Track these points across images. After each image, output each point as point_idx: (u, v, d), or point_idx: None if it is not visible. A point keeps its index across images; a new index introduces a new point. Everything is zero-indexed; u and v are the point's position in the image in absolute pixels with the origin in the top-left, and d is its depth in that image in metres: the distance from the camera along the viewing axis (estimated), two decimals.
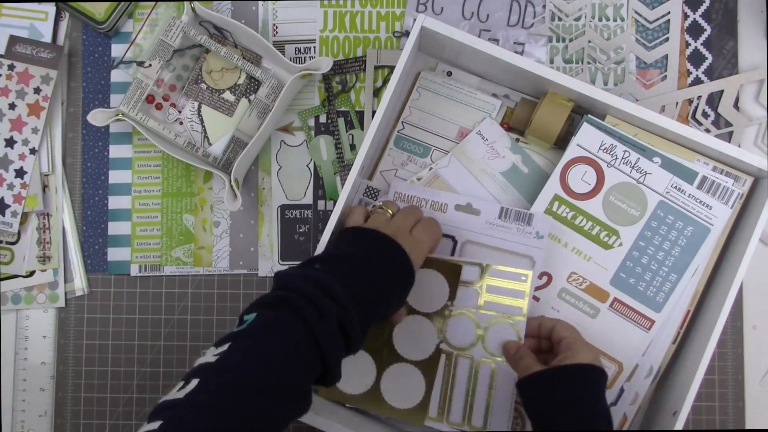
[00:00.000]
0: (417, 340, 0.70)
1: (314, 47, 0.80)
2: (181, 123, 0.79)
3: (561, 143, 0.73)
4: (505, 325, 0.70)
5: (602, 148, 0.71)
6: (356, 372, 0.71)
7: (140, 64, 0.76)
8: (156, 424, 0.45)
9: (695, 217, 0.70)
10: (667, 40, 0.79)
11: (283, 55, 0.77)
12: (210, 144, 0.79)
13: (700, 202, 0.70)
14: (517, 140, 0.75)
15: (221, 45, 0.77)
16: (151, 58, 0.75)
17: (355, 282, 0.57)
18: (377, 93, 0.79)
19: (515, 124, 0.74)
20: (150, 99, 0.77)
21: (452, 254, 0.72)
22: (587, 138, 0.71)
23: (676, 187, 0.70)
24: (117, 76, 0.81)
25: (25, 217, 0.79)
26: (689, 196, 0.70)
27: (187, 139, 0.77)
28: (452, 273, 0.70)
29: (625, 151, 0.71)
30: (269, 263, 0.79)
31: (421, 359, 0.70)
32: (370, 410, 0.71)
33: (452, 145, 0.75)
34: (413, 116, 0.76)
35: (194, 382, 0.48)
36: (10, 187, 0.78)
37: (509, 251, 0.71)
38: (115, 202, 0.80)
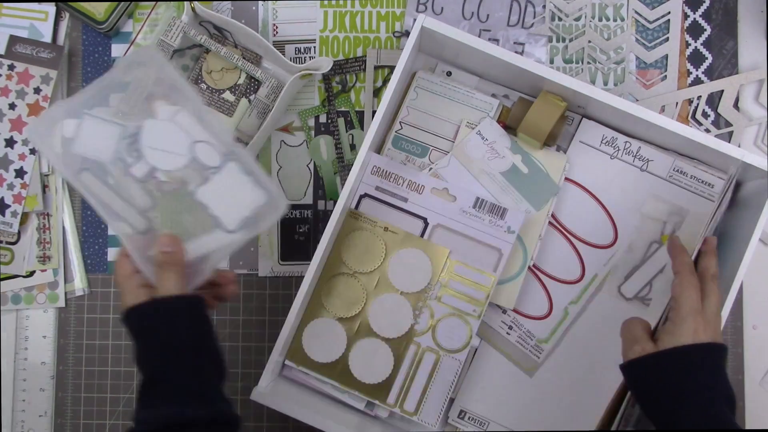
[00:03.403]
0: (392, 318, 0.72)
1: (314, 47, 0.80)
2: None
3: (552, 143, 0.73)
4: (458, 321, 0.72)
5: (604, 141, 0.73)
6: (327, 341, 0.72)
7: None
8: None
9: (699, 195, 0.73)
10: (667, 40, 0.79)
11: (283, 55, 0.77)
12: None
13: (702, 181, 0.73)
14: None
15: (221, 45, 0.77)
16: None
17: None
18: (377, 93, 0.79)
19: (511, 123, 0.74)
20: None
21: (422, 235, 0.73)
22: (588, 134, 0.74)
23: (678, 170, 0.73)
24: None
25: (25, 217, 0.79)
26: (691, 177, 0.73)
27: None
28: (439, 257, 0.72)
29: (626, 142, 0.73)
30: (269, 263, 0.79)
31: (392, 337, 0.72)
32: (334, 381, 0.72)
33: (450, 145, 0.75)
34: (411, 116, 0.76)
35: None
36: (10, 187, 0.78)
37: (479, 241, 0.72)
38: None
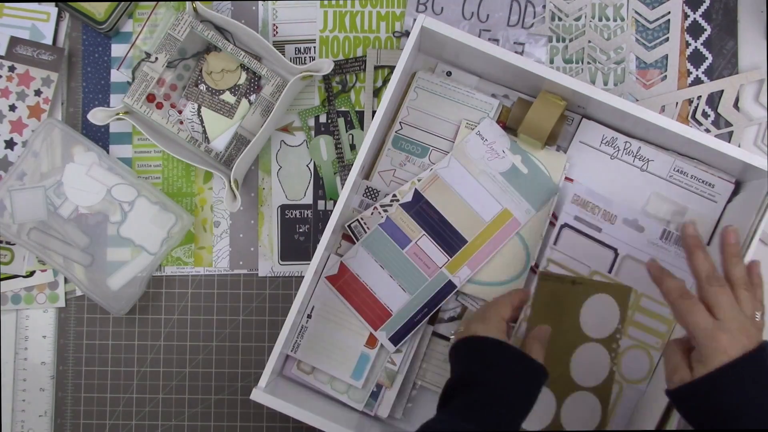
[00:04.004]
0: (592, 367, 0.72)
1: (314, 47, 0.80)
2: (181, 123, 0.79)
3: (552, 142, 0.73)
4: (641, 353, 0.71)
5: (604, 141, 0.73)
6: (535, 408, 0.66)
7: (147, 57, 0.75)
8: None
9: (699, 195, 0.73)
10: (667, 40, 0.79)
11: (283, 55, 0.77)
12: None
13: (703, 181, 0.73)
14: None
15: (228, 41, 0.76)
16: (157, 51, 0.75)
17: (493, 417, 0.58)
18: (377, 93, 0.79)
19: (511, 124, 0.74)
20: (151, 98, 0.77)
21: (611, 267, 0.73)
22: (588, 134, 0.74)
23: (678, 170, 0.73)
24: (117, 76, 0.81)
25: None
26: (692, 177, 0.73)
27: (189, 133, 0.77)
28: (622, 296, 0.72)
29: (626, 142, 0.73)
30: (269, 263, 0.79)
31: (595, 385, 0.72)
32: None
33: (450, 145, 0.75)
34: (411, 116, 0.76)
35: None
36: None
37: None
38: None
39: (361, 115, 0.79)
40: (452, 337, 0.73)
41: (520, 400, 0.60)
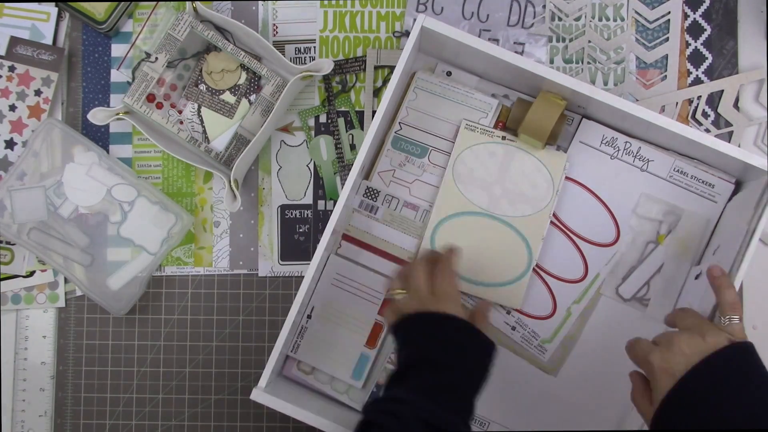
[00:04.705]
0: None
1: (314, 47, 0.80)
2: (181, 123, 0.79)
3: (553, 142, 0.73)
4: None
5: (604, 141, 0.73)
6: None
7: (147, 57, 0.75)
8: None
9: (699, 195, 0.73)
10: (667, 40, 0.79)
11: (283, 55, 0.77)
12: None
13: (703, 181, 0.73)
14: (503, 138, 0.74)
15: (228, 41, 0.76)
16: (157, 51, 0.75)
17: (454, 398, 0.58)
18: (377, 93, 0.79)
19: (511, 124, 0.74)
20: (151, 98, 0.77)
21: None
22: (588, 134, 0.74)
23: (678, 170, 0.73)
24: (117, 76, 0.81)
25: None
26: (692, 178, 0.73)
27: (189, 133, 0.77)
28: None
29: (626, 142, 0.73)
30: (269, 263, 0.79)
31: None
32: None
33: (450, 145, 0.75)
34: (410, 117, 0.76)
35: None
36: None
37: None
38: None
39: (361, 115, 0.79)
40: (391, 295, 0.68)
41: (477, 379, 0.60)
